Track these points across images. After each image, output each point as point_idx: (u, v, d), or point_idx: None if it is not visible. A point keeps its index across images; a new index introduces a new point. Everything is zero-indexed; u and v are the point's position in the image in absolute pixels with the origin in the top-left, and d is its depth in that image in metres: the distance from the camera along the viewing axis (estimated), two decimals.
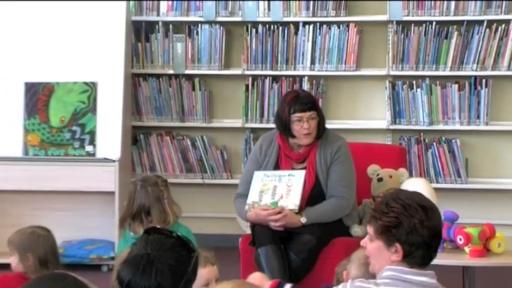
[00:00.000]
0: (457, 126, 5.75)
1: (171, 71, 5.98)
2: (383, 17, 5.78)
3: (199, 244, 2.51)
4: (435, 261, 3.68)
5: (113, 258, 5.34)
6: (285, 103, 4.33)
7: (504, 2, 5.64)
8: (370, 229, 2.52)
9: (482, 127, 5.74)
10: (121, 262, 2.28)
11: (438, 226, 2.50)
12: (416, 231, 2.45)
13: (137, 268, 2.17)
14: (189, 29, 5.96)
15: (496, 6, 5.66)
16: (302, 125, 4.20)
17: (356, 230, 4.27)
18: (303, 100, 4.26)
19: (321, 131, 4.27)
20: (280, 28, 5.86)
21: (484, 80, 5.70)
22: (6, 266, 3.59)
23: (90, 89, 5.52)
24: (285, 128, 4.26)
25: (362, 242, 2.59)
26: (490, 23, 5.66)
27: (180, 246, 2.24)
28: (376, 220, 2.49)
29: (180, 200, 3.88)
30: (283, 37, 5.86)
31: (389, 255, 2.47)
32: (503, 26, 5.66)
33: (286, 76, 5.87)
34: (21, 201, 5.39)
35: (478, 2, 5.67)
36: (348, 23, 5.81)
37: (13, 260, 3.38)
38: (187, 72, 5.97)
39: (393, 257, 2.48)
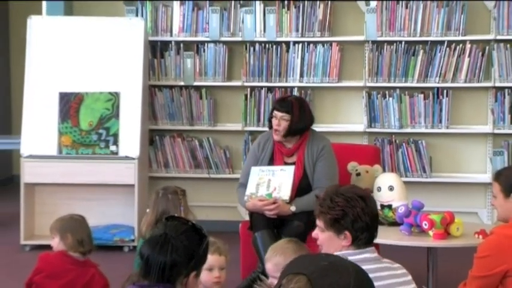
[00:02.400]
0: (423, 130, 5.78)
1: (182, 83, 5.99)
2: (360, 38, 5.80)
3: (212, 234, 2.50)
4: (404, 243, 3.73)
5: (133, 241, 5.36)
6: (275, 100, 4.47)
7: (461, 26, 5.67)
8: (320, 222, 2.51)
9: (443, 130, 5.76)
10: (142, 244, 2.28)
11: (375, 210, 2.52)
12: (360, 219, 2.46)
13: (156, 244, 2.16)
14: (197, 47, 5.98)
15: (455, 29, 5.69)
16: (275, 121, 4.24)
17: None
18: (282, 103, 4.29)
19: (289, 132, 4.25)
20: (274, 47, 5.87)
21: (445, 91, 5.73)
22: (45, 247, 3.59)
23: (114, 98, 5.53)
24: (269, 119, 4.34)
25: (313, 234, 2.56)
26: (450, 43, 5.69)
27: (194, 231, 2.24)
28: (324, 214, 2.48)
29: (189, 192, 3.88)
30: (277, 54, 5.87)
31: (340, 241, 2.48)
32: (460, 45, 5.68)
33: (279, 87, 5.88)
34: (56, 193, 5.40)
35: (440, 25, 5.70)
36: (331, 43, 5.82)
37: (54, 242, 3.39)
38: (196, 83, 5.98)
39: (343, 243, 2.48)
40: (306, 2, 5.82)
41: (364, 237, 2.47)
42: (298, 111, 4.26)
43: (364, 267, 2.42)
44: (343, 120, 5.97)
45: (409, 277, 2.51)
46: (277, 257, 2.80)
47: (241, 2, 5.91)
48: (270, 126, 4.32)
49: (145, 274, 2.15)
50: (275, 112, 4.26)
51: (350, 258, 2.44)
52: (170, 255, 2.14)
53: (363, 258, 2.45)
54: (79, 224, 3.40)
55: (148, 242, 2.20)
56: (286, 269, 1.63)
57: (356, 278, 1.62)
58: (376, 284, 2.41)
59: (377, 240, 2.62)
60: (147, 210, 3.65)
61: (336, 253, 2.49)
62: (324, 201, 2.50)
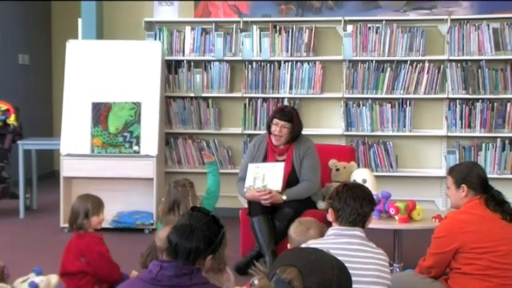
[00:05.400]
0: (390, 133, 5.78)
1: (192, 94, 5.98)
2: (339, 57, 5.80)
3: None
4: (375, 226, 3.73)
5: (152, 224, 5.35)
6: (274, 110, 4.47)
7: (421, 48, 5.68)
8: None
9: (407, 133, 5.77)
10: (170, 230, 2.26)
11: (351, 201, 2.52)
12: (334, 198, 2.56)
13: (183, 233, 2.18)
14: (204, 65, 5.97)
15: (416, 50, 5.70)
16: (276, 128, 4.23)
17: (321, 204, 4.29)
18: (283, 113, 4.28)
19: (291, 138, 4.26)
20: (268, 64, 5.87)
21: (408, 101, 5.73)
22: None
23: (136, 107, 5.52)
24: (268, 125, 4.31)
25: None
26: (412, 62, 5.69)
27: (213, 222, 2.25)
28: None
29: (198, 184, 3.86)
30: (270, 71, 5.87)
31: (330, 214, 2.60)
32: (420, 64, 5.69)
33: (272, 98, 5.88)
34: (89, 185, 5.37)
35: (404, 48, 5.71)
36: (314, 61, 5.82)
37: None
38: (204, 95, 5.98)
39: (331, 217, 2.59)
40: (294, 28, 5.83)
41: (342, 216, 2.52)
42: (297, 120, 4.28)
43: (353, 240, 2.45)
44: (325, 125, 5.97)
45: (386, 258, 2.52)
46: (302, 227, 2.82)
47: (241, 27, 5.91)
48: (269, 131, 4.30)
49: (174, 257, 2.16)
50: (276, 120, 4.23)
51: (341, 232, 2.47)
52: (194, 242, 2.16)
53: (353, 233, 2.48)
54: (72, 209, 3.41)
55: (177, 231, 2.20)
56: (278, 261, 1.62)
57: (339, 274, 1.62)
58: (359, 254, 2.43)
59: None
60: (162, 199, 3.64)
61: (331, 228, 2.51)
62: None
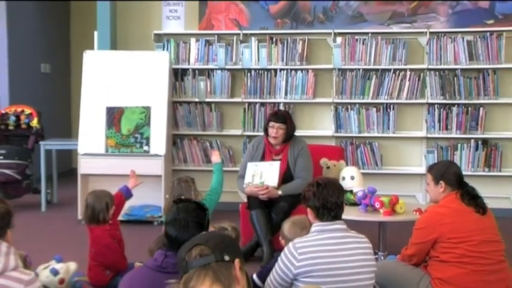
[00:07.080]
0: (376, 134, 5.78)
1: (197, 99, 5.98)
2: (329, 66, 5.80)
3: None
4: (361, 218, 3.73)
5: (160, 217, 5.34)
6: (269, 114, 4.46)
7: (403, 58, 5.68)
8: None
9: (391, 135, 5.76)
10: (165, 226, 2.25)
11: (330, 197, 2.46)
12: (311, 199, 2.48)
13: (180, 227, 2.18)
14: (208, 73, 5.97)
15: (398, 60, 5.70)
16: (273, 130, 4.23)
17: None
18: (277, 116, 4.29)
19: (286, 138, 4.26)
20: (265, 72, 5.87)
21: (392, 106, 5.73)
22: None
23: (146, 111, 5.52)
24: (265, 128, 4.30)
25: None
26: (395, 70, 5.70)
27: (198, 208, 2.25)
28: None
29: (201, 180, 3.87)
30: (267, 78, 5.87)
31: (309, 214, 2.53)
32: (403, 72, 5.69)
33: (269, 103, 5.87)
34: (104, 181, 5.35)
35: (388, 57, 5.71)
36: (307, 69, 5.82)
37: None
38: (207, 100, 5.97)
39: (310, 216, 2.52)
40: (289, 39, 5.83)
41: (322, 213, 2.47)
42: (290, 121, 4.28)
43: (335, 234, 2.44)
44: (317, 127, 5.96)
45: (369, 245, 2.50)
46: (295, 228, 2.77)
47: (241, 39, 5.91)
48: (266, 133, 4.30)
49: (176, 248, 2.16)
50: (272, 123, 4.23)
51: (324, 228, 2.45)
52: (191, 232, 2.16)
53: (335, 228, 2.46)
54: (86, 205, 3.41)
55: (173, 226, 2.19)
56: (179, 259, 1.60)
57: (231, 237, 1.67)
58: (342, 246, 2.42)
59: (342, 216, 2.61)
60: (166, 196, 3.62)
61: (314, 225, 2.49)
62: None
